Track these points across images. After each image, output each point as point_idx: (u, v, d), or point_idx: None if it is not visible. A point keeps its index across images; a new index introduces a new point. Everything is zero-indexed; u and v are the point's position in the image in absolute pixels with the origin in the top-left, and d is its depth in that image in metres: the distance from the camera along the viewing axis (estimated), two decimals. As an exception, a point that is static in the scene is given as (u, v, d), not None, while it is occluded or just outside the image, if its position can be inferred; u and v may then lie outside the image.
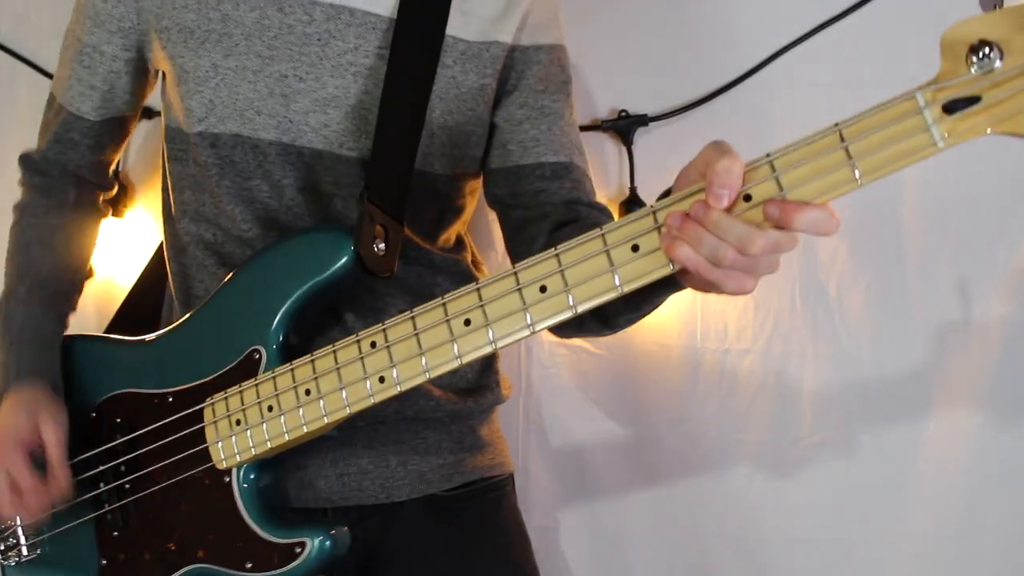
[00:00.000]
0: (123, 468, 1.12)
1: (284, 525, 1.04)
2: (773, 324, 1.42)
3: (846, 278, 1.39)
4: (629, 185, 1.45)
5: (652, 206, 0.85)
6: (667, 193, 0.87)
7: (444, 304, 0.93)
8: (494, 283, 0.91)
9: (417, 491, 1.15)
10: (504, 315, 0.91)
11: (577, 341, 1.49)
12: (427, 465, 1.16)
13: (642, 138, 1.45)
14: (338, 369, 0.98)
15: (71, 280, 1.25)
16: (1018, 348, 1.32)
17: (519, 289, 0.90)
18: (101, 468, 1.13)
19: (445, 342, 0.93)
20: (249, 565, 1.03)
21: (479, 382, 1.22)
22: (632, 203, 1.43)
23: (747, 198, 0.81)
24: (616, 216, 1.37)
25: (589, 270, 0.87)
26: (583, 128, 1.45)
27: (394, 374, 0.95)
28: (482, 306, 0.91)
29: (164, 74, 1.17)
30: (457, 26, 1.12)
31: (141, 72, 1.20)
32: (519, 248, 1.14)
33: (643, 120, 1.44)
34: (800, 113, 1.35)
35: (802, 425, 1.42)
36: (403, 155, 1.09)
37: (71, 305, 1.25)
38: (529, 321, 0.90)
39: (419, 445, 1.16)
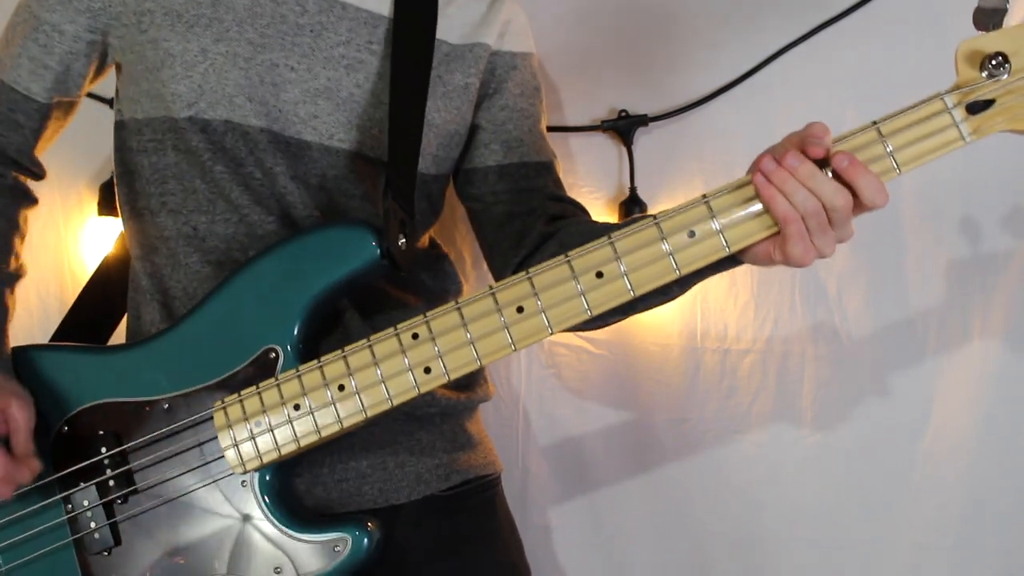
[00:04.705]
0: (112, 484, 1.05)
1: (314, 525, 1.01)
2: (773, 324, 1.43)
3: (846, 278, 1.40)
4: (629, 185, 1.45)
5: (704, 195, 0.92)
6: None
7: (493, 293, 0.95)
8: (546, 272, 0.95)
9: (416, 492, 1.14)
10: (560, 301, 0.94)
11: (577, 341, 1.49)
12: (423, 466, 1.15)
13: (642, 138, 1.45)
14: (376, 363, 0.97)
15: (8, 272, 1.15)
16: (1020, 348, 1.32)
17: (575, 277, 0.94)
18: (83, 486, 1.06)
19: (496, 330, 0.95)
20: (278, 569, 1.00)
21: (469, 376, 1.21)
22: (632, 203, 1.43)
23: None
24: (603, 217, 1.42)
25: (646, 256, 0.93)
26: (583, 128, 1.46)
27: (441, 364, 0.97)
28: (536, 294, 0.94)
29: (122, 65, 1.12)
30: (441, 29, 1.15)
31: (99, 57, 1.14)
32: (503, 242, 1.17)
33: (643, 120, 1.44)
34: (800, 113, 1.33)
35: (802, 425, 1.42)
36: (410, 154, 1.10)
37: (11, 300, 1.15)
38: (587, 306, 0.94)
39: (414, 446, 1.15)
